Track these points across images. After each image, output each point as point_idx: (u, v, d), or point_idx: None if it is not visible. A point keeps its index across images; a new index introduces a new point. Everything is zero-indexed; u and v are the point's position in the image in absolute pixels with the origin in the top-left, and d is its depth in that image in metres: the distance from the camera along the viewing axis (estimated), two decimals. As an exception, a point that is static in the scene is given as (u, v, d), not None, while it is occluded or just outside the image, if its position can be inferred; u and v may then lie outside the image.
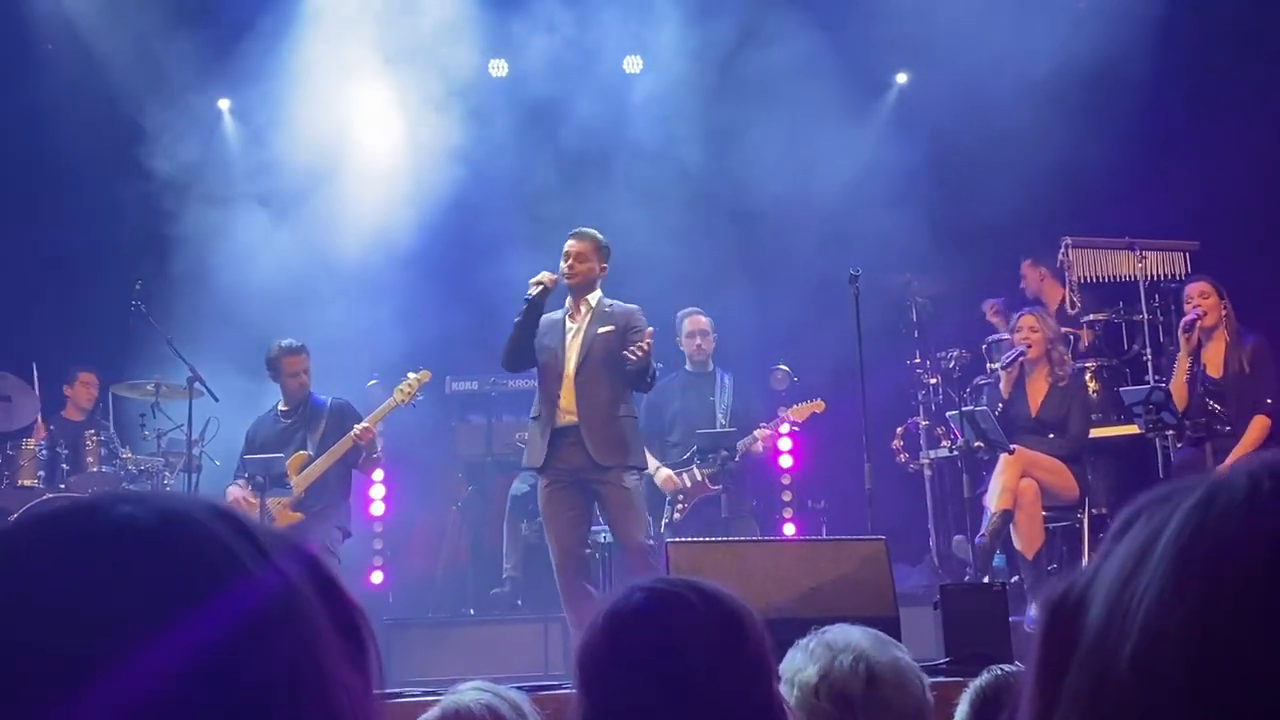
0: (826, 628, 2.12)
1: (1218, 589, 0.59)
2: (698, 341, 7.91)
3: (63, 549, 0.65)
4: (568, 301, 6.41)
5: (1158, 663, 0.59)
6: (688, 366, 7.98)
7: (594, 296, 6.37)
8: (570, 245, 6.34)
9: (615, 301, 6.42)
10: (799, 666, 2.03)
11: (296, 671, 0.65)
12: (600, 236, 6.42)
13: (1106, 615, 0.62)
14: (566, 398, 6.23)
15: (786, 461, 8.15)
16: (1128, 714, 0.60)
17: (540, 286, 6.25)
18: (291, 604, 0.67)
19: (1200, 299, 7.06)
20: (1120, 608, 0.62)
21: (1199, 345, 7.08)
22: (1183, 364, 7.06)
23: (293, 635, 0.66)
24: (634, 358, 6.02)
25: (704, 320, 7.96)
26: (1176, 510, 0.63)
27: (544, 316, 6.37)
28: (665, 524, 7.61)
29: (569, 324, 6.34)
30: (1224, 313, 7.05)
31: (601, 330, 6.28)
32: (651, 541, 6.35)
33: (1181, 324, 7.10)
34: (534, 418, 6.40)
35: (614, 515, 6.23)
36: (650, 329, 6.25)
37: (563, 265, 6.29)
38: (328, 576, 0.71)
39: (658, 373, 6.48)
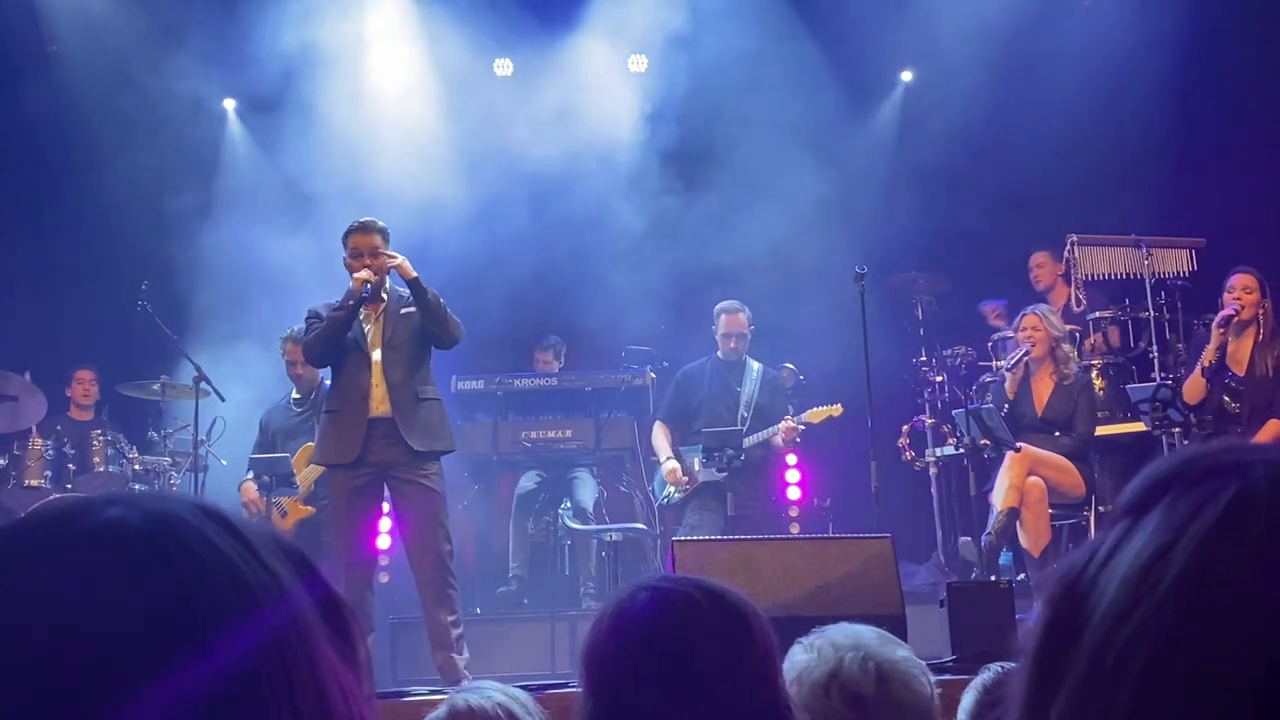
0: (827, 626, 2.11)
1: (1247, 588, 0.59)
2: (733, 344, 7.87)
3: (51, 553, 0.65)
4: None
5: (1175, 659, 0.59)
6: (719, 354, 7.98)
7: (387, 283, 6.10)
8: (360, 241, 5.99)
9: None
10: (806, 665, 2.02)
11: (291, 670, 0.65)
12: (384, 225, 6.08)
13: (1126, 600, 0.62)
14: (380, 386, 5.94)
15: (792, 459, 8.14)
16: (1137, 704, 0.60)
17: (366, 284, 5.92)
18: (284, 603, 0.67)
19: (1244, 293, 6.85)
20: (1141, 591, 0.61)
21: (1227, 340, 6.90)
22: (1209, 357, 6.84)
23: (286, 634, 0.66)
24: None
25: (742, 319, 7.87)
26: (1206, 503, 0.63)
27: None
28: (665, 500, 7.73)
29: (363, 311, 6.04)
30: (1262, 311, 6.88)
31: (405, 311, 6.04)
32: (450, 546, 5.98)
33: (1218, 317, 6.87)
34: (331, 411, 6.08)
35: (420, 519, 5.87)
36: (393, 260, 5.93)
37: (366, 275, 5.92)
38: (317, 574, 0.71)
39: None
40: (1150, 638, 0.60)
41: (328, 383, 7.46)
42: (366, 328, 6.05)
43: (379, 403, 5.95)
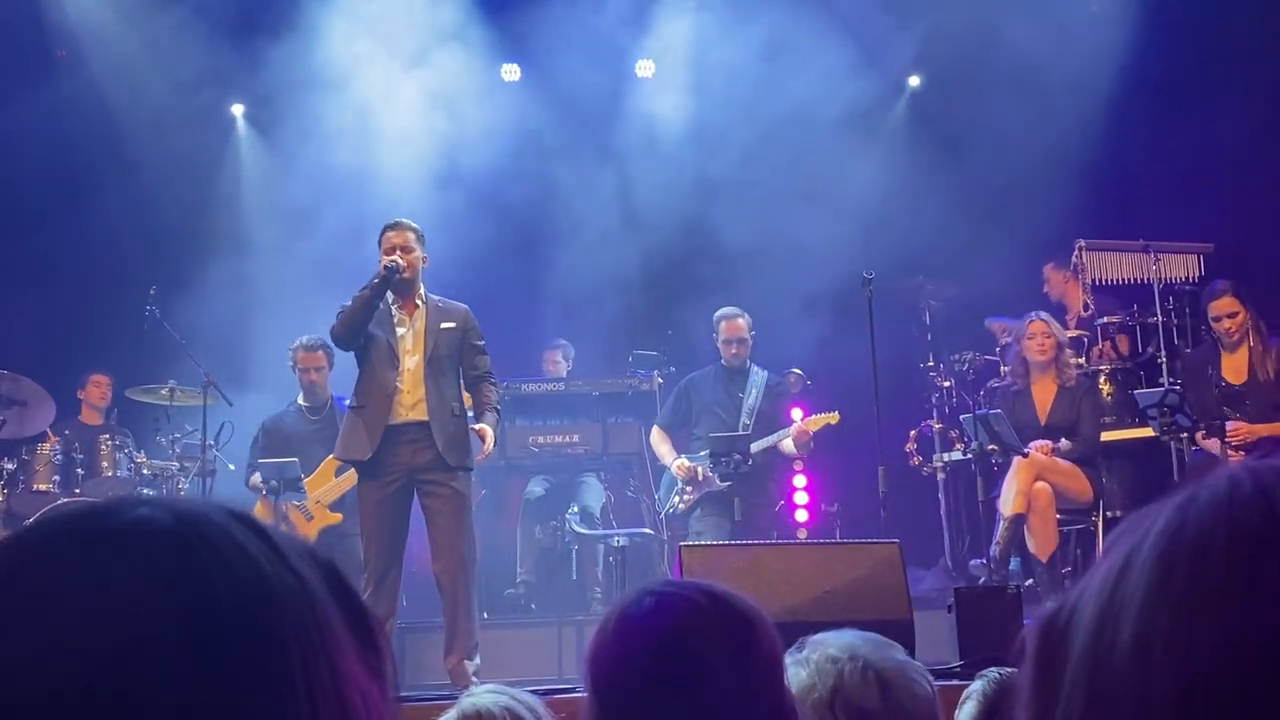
0: (814, 636, 2.09)
1: (1198, 583, 0.61)
2: (734, 349, 7.87)
3: (82, 550, 0.66)
4: (389, 293, 6.06)
5: (1150, 653, 0.61)
6: (723, 361, 7.98)
7: (422, 289, 6.13)
8: (394, 237, 6.03)
9: (441, 297, 6.20)
10: (807, 684, 2.00)
11: (313, 675, 0.65)
12: (417, 225, 6.15)
13: (1098, 618, 0.64)
14: (412, 392, 5.95)
15: (799, 465, 8.13)
16: (1126, 704, 0.61)
17: (392, 264, 5.90)
18: (309, 608, 0.67)
19: (1229, 319, 6.95)
20: (1112, 609, 0.64)
21: (1219, 352, 7.01)
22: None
23: (308, 637, 0.66)
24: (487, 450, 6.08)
25: (742, 324, 7.87)
26: (1159, 516, 0.65)
27: None
28: (669, 511, 7.70)
29: (396, 314, 6.05)
30: (1251, 320, 6.97)
31: (444, 325, 6.07)
32: (473, 552, 6.08)
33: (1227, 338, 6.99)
34: (356, 408, 6.04)
35: (447, 522, 5.90)
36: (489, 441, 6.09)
37: (395, 257, 5.92)
38: (343, 581, 0.72)
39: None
40: (1124, 651, 0.62)
41: (345, 401, 7.51)
42: (400, 331, 6.05)
43: (408, 408, 5.96)
